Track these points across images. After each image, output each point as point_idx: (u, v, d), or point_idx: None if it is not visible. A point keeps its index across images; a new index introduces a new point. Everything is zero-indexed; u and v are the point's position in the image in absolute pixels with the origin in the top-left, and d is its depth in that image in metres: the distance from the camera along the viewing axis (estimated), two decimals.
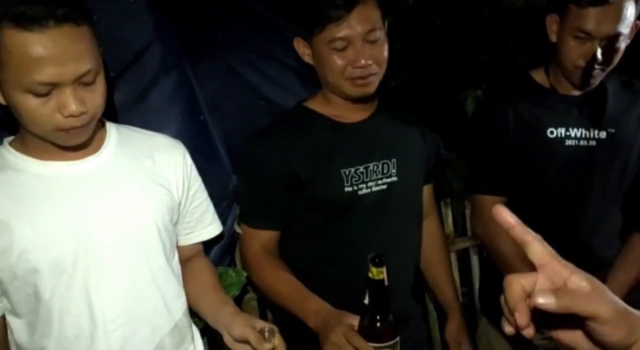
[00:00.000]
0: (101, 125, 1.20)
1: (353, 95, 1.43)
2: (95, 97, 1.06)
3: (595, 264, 1.63)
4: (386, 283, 1.19)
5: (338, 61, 1.37)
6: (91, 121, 1.09)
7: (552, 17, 1.58)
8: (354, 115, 1.49)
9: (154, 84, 1.45)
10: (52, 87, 1.00)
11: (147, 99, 1.44)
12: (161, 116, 1.45)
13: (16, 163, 1.12)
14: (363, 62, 1.35)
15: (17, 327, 1.14)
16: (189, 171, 1.29)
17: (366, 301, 1.21)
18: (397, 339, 1.21)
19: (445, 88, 2.56)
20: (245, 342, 1.17)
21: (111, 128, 1.22)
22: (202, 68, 1.61)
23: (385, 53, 1.40)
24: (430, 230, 1.70)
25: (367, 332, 1.21)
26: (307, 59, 1.44)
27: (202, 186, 1.35)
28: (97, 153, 1.17)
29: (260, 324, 1.19)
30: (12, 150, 1.14)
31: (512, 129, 1.63)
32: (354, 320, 1.23)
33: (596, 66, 1.50)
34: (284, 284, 1.42)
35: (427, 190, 1.66)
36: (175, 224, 1.28)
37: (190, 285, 1.31)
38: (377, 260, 1.19)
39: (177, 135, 1.43)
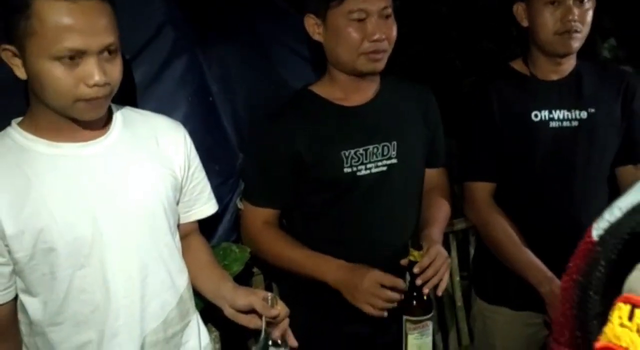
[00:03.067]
0: (107, 107, 1.24)
1: (364, 71, 1.47)
2: (116, 70, 1.13)
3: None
4: None
5: (354, 34, 1.41)
6: (110, 94, 1.14)
7: (518, 6, 1.68)
8: (357, 97, 1.53)
9: (166, 67, 1.52)
10: (79, 55, 1.06)
11: (159, 81, 1.51)
12: (172, 97, 1.51)
13: (27, 144, 1.14)
14: (378, 36, 1.41)
15: (32, 306, 1.17)
16: (189, 151, 1.33)
17: (407, 281, 1.37)
18: (433, 312, 1.38)
19: (447, 75, 2.60)
20: (249, 312, 1.25)
21: (116, 110, 1.25)
22: (212, 52, 1.67)
23: (395, 32, 1.46)
24: (433, 181, 1.68)
25: (409, 307, 1.37)
26: (317, 36, 1.48)
27: (200, 165, 1.37)
28: (105, 135, 1.20)
29: (262, 293, 1.27)
30: (22, 131, 1.15)
31: (497, 115, 1.70)
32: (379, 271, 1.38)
33: (574, 24, 1.59)
34: (296, 250, 1.50)
35: (435, 174, 1.68)
36: (178, 203, 1.33)
37: (188, 262, 1.34)
38: (416, 244, 1.37)
39: (188, 116, 1.50)
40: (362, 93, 1.54)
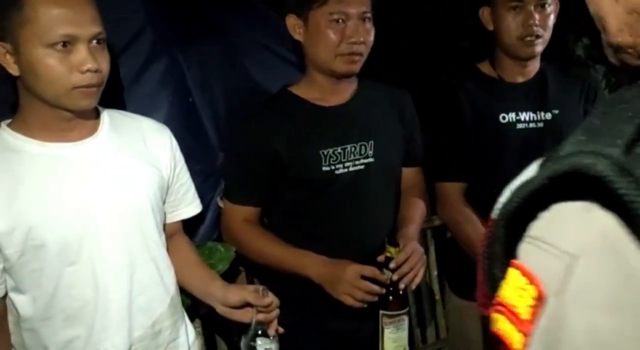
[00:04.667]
0: (95, 109, 1.27)
1: (340, 72, 1.51)
2: (105, 60, 1.18)
3: None
4: None
5: (332, 35, 1.45)
6: (101, 84, 1.18)
7: (483, 10, 1.73)
8: (334, 98, 1.57)
9: (146, 68, 1.54)
10: (71, 43, 1.12)
11: (139, 82, 1.53)
12: (153, 98, 1.54)
13: (17, 144, 1.17)
14: (355, 38, 1.45)
15: (21, 303, 1.19)
16: (175, 152, 1.37)
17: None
18: (408, 308, 1.43)
19: (424, 73, 2.63)
20: (242, 306, 1.31)
21: (103, 112, 1.30)
22: (192, 53, 1.70)
23: (373, 36, 1.50)
24: (410, 180, 1.72)
25: (385, 302, 1.40)
26: (297, 36, 1.51)
27: (185, 167, 1.41)
28: (94, 135, 1.24)
29: (251, 287, 1.34)
30: (11, 131, 1.19)
31: (467, 117, 1.75)
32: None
33: (536, 29, 1.64)
34: (276, 246, 1.53)
35: (411, 173, 1.72)
36: (164, 203, 1.36)
37: (176, 262, 1.37)
38: (393, 241, 1.41)
39: (168, 116, 1.53)
40: (340, 94, 1.57)
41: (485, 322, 0.46)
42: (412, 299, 2.14)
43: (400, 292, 1.43)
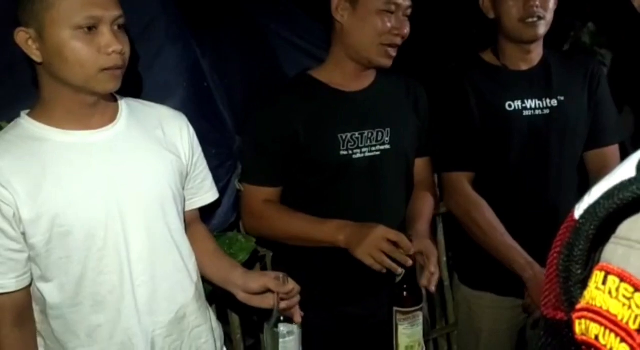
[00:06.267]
0: (113, 97, 1.29)
1: (376, 63, 1.54)
2: (127, 43, 1.20)
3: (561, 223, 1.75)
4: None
5: (380, 24, 1.48)
6: (124, 66, 1.19)
7: None
8: (355, 84, 1.59)
9: (160, 54, 1.55)
10: (96, 26, 1.14)
11: (153, 68, 1.53)
12: (167, 84, 1.54)
13: (39, 133, 1.18)
14: (399, 31, 1.49)
15: (48, 291, 1.20)
16: (193, 139, 1.39)
17: (399, 272, 1.41)
18: (422, 304, 1.42)
19: (432, 61, 2.63)
20: (263, 293, 1.32)
21: (121, 100, 1.31)
22: (206, 38, 1.71)
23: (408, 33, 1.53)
24: (421, 172, 1.74)
25: (399, 299, 1.40)
26: (339, 17, 1.52)
27: (202, 155, 1.43)
28: (114, 123, 1.25)
29: (272, 274, 1.35)
30: (33, 121, 1.20)
31: (473, 107, 1.75)
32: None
33: (537, 10, 1.64)
34: (300, 218, 1.55)
35: (422, 163, 1.74)
36: (183, 189, 1.38)
37: (194, 249, 1.38)
38: (411, 238, 1.41)
39: (183, 101, 1.54)
40: (360, 81, 1.60)
41: (552, 324, 0.45)
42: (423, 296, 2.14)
43: (414, 289, 1.42)
